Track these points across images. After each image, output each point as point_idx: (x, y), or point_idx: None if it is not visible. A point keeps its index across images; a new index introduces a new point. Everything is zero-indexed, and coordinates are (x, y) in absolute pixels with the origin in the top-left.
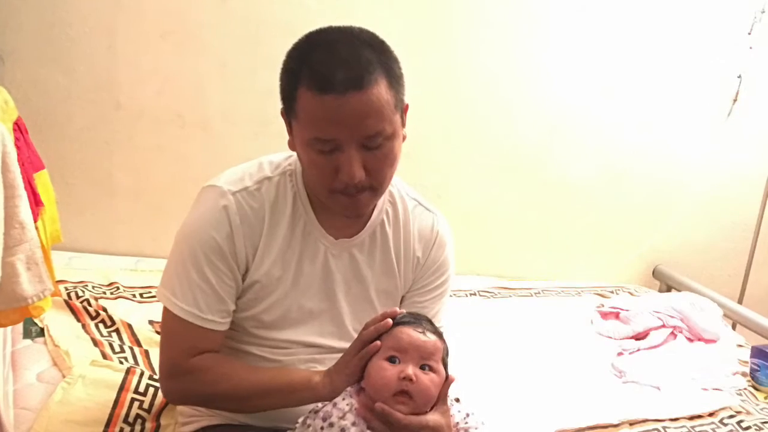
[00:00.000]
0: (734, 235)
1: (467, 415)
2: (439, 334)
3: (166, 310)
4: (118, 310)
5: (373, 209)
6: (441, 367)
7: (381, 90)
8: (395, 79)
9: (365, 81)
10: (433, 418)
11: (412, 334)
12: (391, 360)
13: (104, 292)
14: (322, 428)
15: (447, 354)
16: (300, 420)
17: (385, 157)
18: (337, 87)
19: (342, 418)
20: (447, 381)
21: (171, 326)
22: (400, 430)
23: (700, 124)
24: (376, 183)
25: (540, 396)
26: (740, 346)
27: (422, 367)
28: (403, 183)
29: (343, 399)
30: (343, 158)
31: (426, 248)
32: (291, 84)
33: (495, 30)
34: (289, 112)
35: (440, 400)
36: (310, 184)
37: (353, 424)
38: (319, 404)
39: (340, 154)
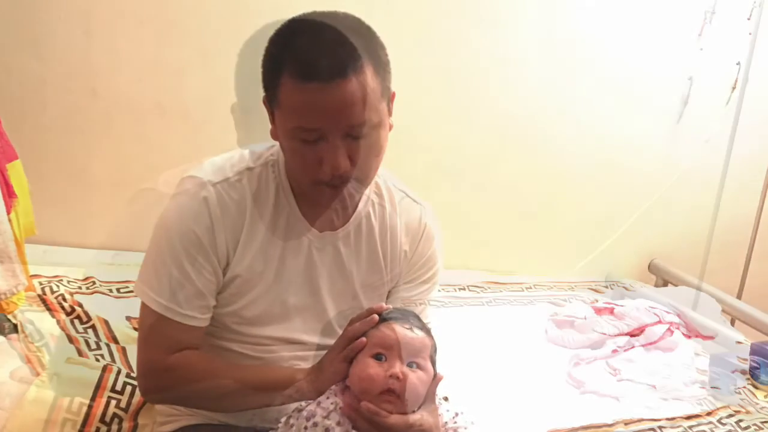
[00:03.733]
0: (733, 227)
1: (456, 414)
2: (427, 331)
3: (144, 306)
4: (95, 305)
5: (359, 201)
6: (429, 365)
7: (367, 77)
8: (381, 66)
9: (350, 68)
10: (420, 417)
11: (399, 330)
12: (378, 357)
13: (80, 287)
14: (305, 428)
15: (435, 351)
16: (283, 419)
17: (370, 147)
18: (322, 74)
19: (326, 417)
20: (435, 379)
21: (149, 322)
22: (387, 430)
23: (697, 114)
24: (361, 174)
25: (532, 394)
26: (739, 342)
27: (409, 365)
28: (390, 174)
29: (328, 398)
30: (327, 148)
31: (413, 241)
32: (273, 71)
33: (483, 12)
34: (271, 100)
35: (428, 398)
36: (293, 174)
37: (338, 423)
38: (303, 403)
39: (324, 143)
